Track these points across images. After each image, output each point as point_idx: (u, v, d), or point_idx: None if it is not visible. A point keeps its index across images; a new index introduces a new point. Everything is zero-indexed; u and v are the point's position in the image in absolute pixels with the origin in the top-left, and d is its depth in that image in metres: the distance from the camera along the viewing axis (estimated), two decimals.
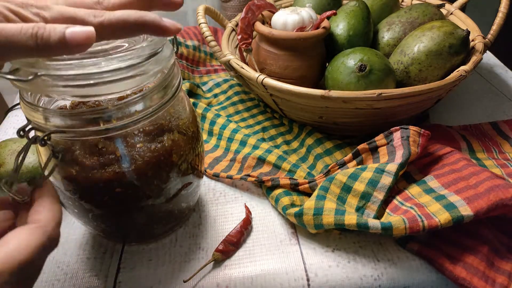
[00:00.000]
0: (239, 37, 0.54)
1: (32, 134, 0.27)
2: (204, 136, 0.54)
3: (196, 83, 0.62)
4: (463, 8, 0.60)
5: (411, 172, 0.43)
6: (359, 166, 0.41)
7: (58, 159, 0.29)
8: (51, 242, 0.24)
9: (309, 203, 0.38)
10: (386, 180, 0.38)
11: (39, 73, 0.25)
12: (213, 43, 0.52)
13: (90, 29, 0.22)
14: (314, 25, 0.52)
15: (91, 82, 0.26)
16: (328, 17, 0.53)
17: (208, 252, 0.39)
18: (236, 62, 0.50)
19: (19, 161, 0.25)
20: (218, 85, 0.64)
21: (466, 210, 0.34)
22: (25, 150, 0.26)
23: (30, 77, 0.25)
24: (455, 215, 0.34)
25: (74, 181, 0.30)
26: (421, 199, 0.38)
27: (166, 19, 0.27)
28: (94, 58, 0.26)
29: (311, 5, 0.55)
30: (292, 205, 0.41)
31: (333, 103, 0.44)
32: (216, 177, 0.47)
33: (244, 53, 0.57)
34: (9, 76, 0.24)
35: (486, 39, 0.51)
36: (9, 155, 0.42)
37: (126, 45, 0.30)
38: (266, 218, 0.42)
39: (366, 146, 0.42)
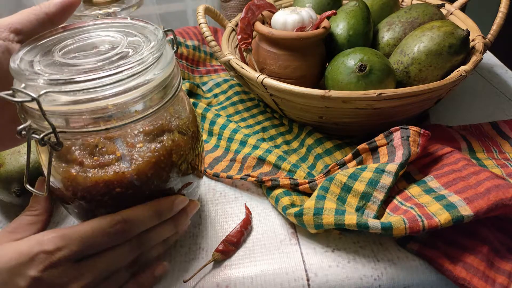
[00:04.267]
0: (239, 37, 0.54)
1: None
2: (204, 136, 0.54)
3: (196, 83, 0.62)
4: (463, 8, 0.60)
5: (411, 172, 0.43)
6: (359, 166, 0.41)
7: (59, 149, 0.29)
8: (123, 224, 0.31)
9: (309, 203, 0.38)
10: (386, 180, 0.38)
11: (41, 93, 0.25)
12: (213, 43, 0.52)
13: None
14: (314, 25, 0.52)
15: (95, 96, 0.26)
16: (328, 17, 0.53)
17: (208, 252, 0.39)
18: (236, 62, 0.50)
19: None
20: (218, 85, 0.64)
21: (466, 210, 0.34)
22: (28, 151, 0.26)
23: (29, 98, 0.24)
24: (455, 215, 0.34)
25: (74, 181, 0.30)
26: (421, 199, 0.38)
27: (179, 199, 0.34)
28: (98, 72, 0.26)
29: (311, 5, 0.55)
30: (292, 205, 0.41)
31: (333, 103, 0.44)
32: (216, 177, 0.47)
33: (244, 53, 0.57)
34: (9, 98, 0.24)
35: (486, 39, 0.51)
36: (9, 155, 0.42)
37: (131, 51, 0.30)
38: (266, 218, 0.42)
39: (366, 146, 0.42)
